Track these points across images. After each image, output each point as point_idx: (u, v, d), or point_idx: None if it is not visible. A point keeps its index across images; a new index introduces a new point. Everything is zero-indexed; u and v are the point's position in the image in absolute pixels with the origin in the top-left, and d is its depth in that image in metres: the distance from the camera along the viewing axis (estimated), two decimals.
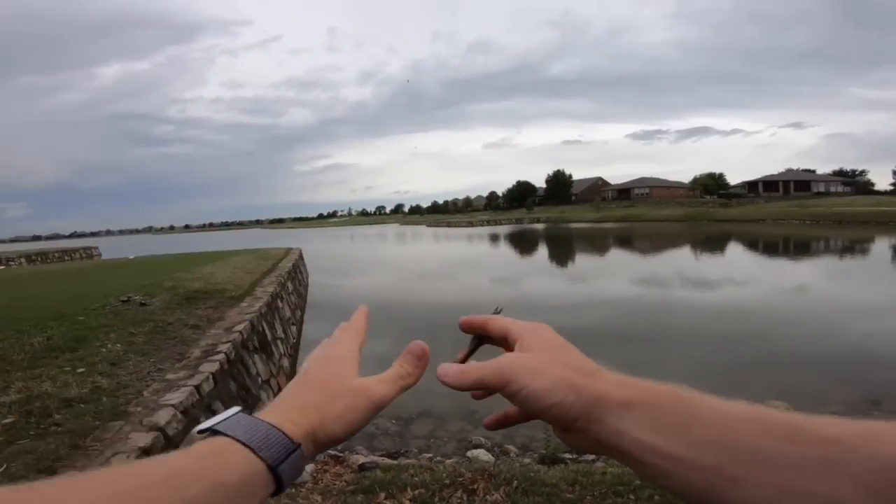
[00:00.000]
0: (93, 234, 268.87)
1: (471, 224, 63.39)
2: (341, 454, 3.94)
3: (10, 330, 4.89)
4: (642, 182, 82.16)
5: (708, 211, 51.74)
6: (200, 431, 0.35)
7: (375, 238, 50.27)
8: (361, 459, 3.72)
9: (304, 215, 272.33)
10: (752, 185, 69.86)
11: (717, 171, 79.50)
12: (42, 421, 2.74)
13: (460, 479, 2.96)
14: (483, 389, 0.42)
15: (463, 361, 0.46)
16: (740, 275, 14.88)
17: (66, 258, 31.21)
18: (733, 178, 79.01)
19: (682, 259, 21.01)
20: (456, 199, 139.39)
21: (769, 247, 24.77)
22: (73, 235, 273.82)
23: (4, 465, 2.20)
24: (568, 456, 3.81)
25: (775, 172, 70.62)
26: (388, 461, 3.76)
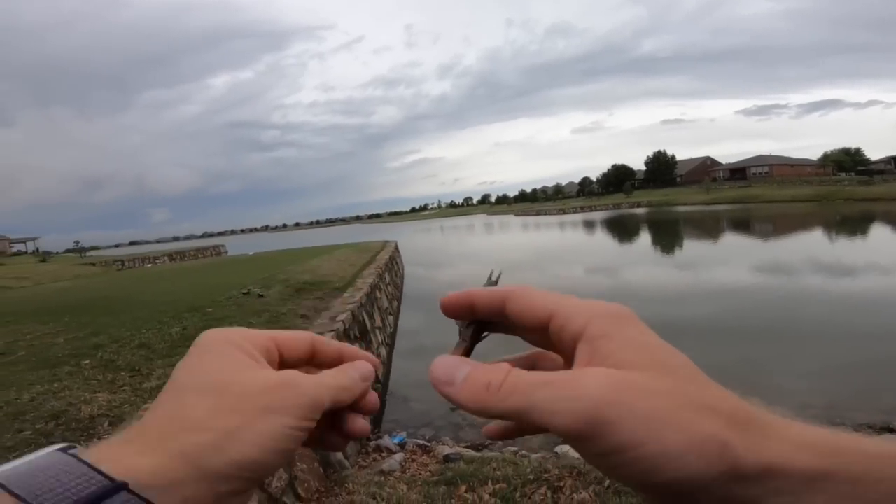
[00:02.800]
0: (220, 234, 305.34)
1: (562, 211, 61.43)
2: (429, 444, 3.99)
3: (154, 321, 5.62)
4: (760, 160, 73.82)
5: (843, 189, 44.72)
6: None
7: (464, 229, 50.82)
8: (447, 450, 3.74)
9: (398, 209, 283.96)
10: None
11: (851, 146, 69.03)
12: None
13: (545, 476, 2.85)
14: (530, 427, 0.27)
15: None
16: (888, 261, 12.63)
17: (200, 255, 35.76)
18: (874, 154, 68.33)
19: (812, 243, 18.36)
20: (545, 187, 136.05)
21: None
22: (204, 235, 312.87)
23: None
24: None
25: None
26: (472, 453, 3.75)
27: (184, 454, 0.25)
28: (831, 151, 69.72)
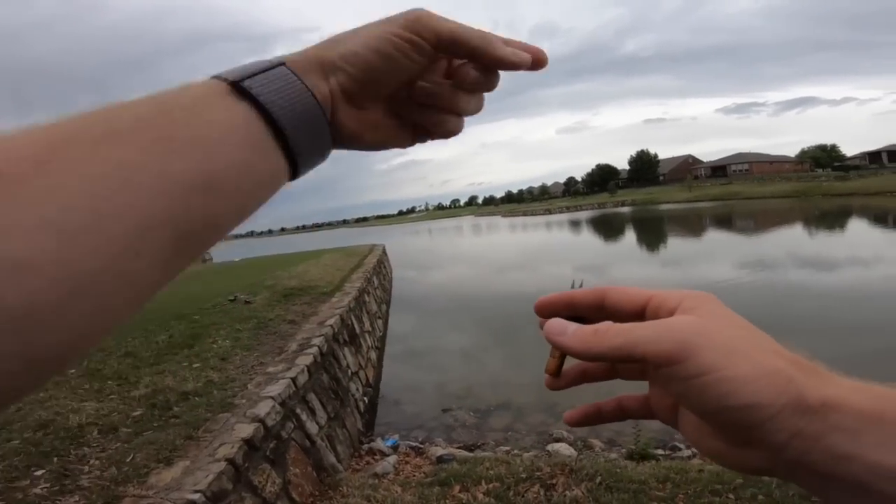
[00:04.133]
0: None
1: (549, 212, 61.85)
2: (422, 446, 3.99)
3: (140, 330, 5.53)
4: (740, 157, 75.26)
5: (821, 185, 45.67)
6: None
7: (452, 231, 50.89)
8: (440, 451, 3.75)
9: (385, 213, 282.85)
10: (873, 156, 61.43)
11: (828, 142, 70.71)
12: (164, 413, 3.04)
13: (538, 474, 2.88)
14: (623, 361, 0.32)
15: (556, 373, 0.35)
16: (868, 254, 12.96)
17: None
18: (849, 150, 70.22)
19: (793, 238, 18.75)
20: (531, 188, 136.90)
21: None
22: None
23: (132, 455, 2.46)
24: (660, 452, 3.56)
25: None
26: (464, 453, 3.77)
27: (316, 53, 0.34)
28: (808, 148, 71.32)
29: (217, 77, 0.30)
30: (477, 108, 0.41)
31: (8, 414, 3.02)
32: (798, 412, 0.26)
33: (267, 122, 0.30)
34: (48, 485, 2.24)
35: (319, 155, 0.35)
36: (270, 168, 0.31)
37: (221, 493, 2.26)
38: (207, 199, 0.26)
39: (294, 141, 0.31)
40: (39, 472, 2.35)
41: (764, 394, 0.26)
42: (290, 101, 0.30)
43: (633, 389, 0.36)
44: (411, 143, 0.42)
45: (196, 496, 2.10)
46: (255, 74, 0.30)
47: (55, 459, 2.47)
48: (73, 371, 3.98)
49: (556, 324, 0.33)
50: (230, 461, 2.44)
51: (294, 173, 0.33)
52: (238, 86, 0.29)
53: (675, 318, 0.30)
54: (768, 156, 76.12)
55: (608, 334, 0.30)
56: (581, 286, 0.38)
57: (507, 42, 0.36)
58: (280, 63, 0.32)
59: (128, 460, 2.42)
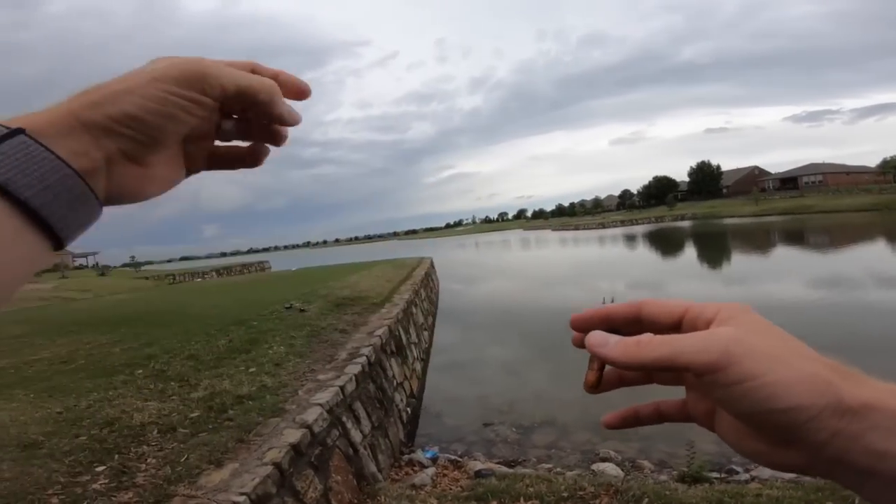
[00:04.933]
0: (264, 250, 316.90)
1: (602, 226, 60.07)
2: (461, 459, 3.96)
3: (202, 334, 5.89)
4: (813, 168, 69.95)
5: None
6: None
7: (499, 245, 50.48)
8: (478, 466, 3.71)
9: (433, 225, 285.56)
10: None
11: None
12: (219, 416, 3.21)
13: (580, 493, 2.79)
14: (666, 370, 0.32)
15: (596, 385, 0.36)
16: None
17: (245, 271, 37.24)
18: None
19: (876, 255, 17.15)
20: (583, 201, 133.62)
21: None
22: (249, 251, 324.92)
23: (186, 455, 2.61)
24: (715, 475, 3.34)
25: None
26: (504, 469, 3.70)
27: (71, 111, 0.30)
28: (891, 157, 65.07)
29: None
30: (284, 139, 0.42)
31: (79, 409, 3.30)
32: (838, 413, 0.27)
33: (12, 202, 0.26)
34: (107, 481, 2.40)
35: (87, 224, 0.32)
36: (24, 251, 0.28)
37: (265, 496, 2.35)
38: None
39: (52, 219, 0.28)
40: (101, 469, 2.53)
41: (805, 396, 0.27)
42: (37, 176, 0.27)
43: (669, 393, 0.37)
44: (206, 168, 0.41)
45: (241, 499, 2.20)
46: None
47: (116, 456, 2.65)
48: (140, 371, 4.30)
49: (598, 336, 0.34)
50: (276, 465, 2.54)
51: (58, 244, 0.30)
52: None
53: (715, 328, 0.31)
54: (845, 166, 70.28)
55: (652, 345, 0.31)
56: (613, 301, 0.39)
57: (277, 75, 0.39)
58: (18, 130, 0.28)
59: (182, 460, 2.57)
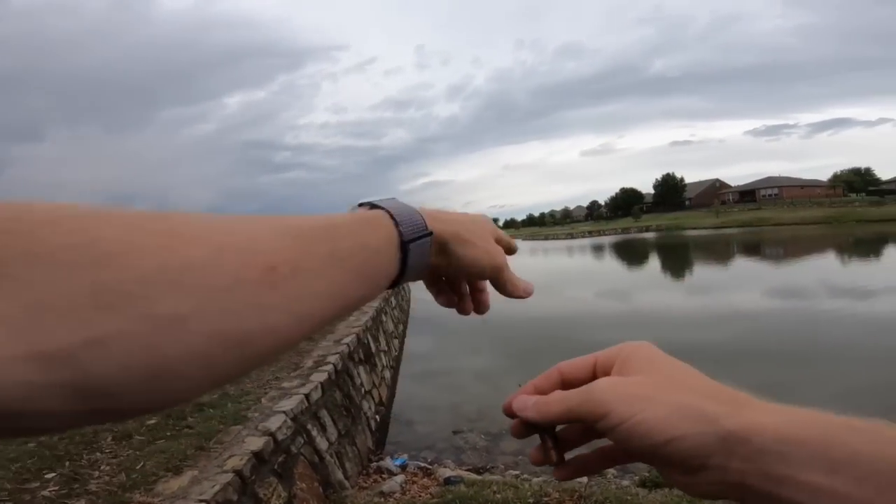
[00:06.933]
0: None
1: (571, 236, 61.26)
2: (430, 466, 3.95)
3: None
4: (770, 182, 73.64)
5: (855, 210, 44.32)
6: (361, 204, 0.41)
7: None
8: (448, 473, 3.70)
9: None
10: None
11: (862, 165, 68.35)
12: (178, 423, 3.10)
13: (545, 499, 2.85)
14: (571, 422, 0.36)
15: (558, 460, 0.38)
16: None
17: None
18: (885, 173, 67.46)
19: (827, 266, 18.10)
20: (553, 211, 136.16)
21: None
22: None
23: (142, 463, 2.51)
24: None
25: None
26: (473, 476, 3.71)
27: (442, 232, 0.43)
28: (841, 172, 69.03)
29: (388, 214, 0.39)
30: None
31: None
32: (721, 439, 0.29)
33: (401, 269, 0.39)
34: (57, 487, 2.29)
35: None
36: (384, 283, 0.39)
37: (226, 503, 2.28)
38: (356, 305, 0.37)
39: (401, 282, 0.41)
40: (50, 476, 2.41)
41: (678, 428, 0.29)
42: (420, 262, 0.40)
43: None
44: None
45: None
46: (417, 238, 0.39)
47: (67, 463, 2.54)
48: None
49: (521, 401, 0.38)
50: (238, 473, 2.47)
51: (391, 286, 0.42)
52: (405, 245, 0.38)
53: (595, 382, 0.34)
54: (799, 180, 74.29)
55: (553, 402, 0.35)
56: (520, 385, 0.42)
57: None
58: (430, 233, 0.40)
59: (138, 467, 2.47)
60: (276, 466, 2.84)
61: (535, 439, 0.39)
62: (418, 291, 17.88)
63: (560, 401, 0.35)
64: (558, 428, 0.39)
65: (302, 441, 3.32)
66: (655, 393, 0.31)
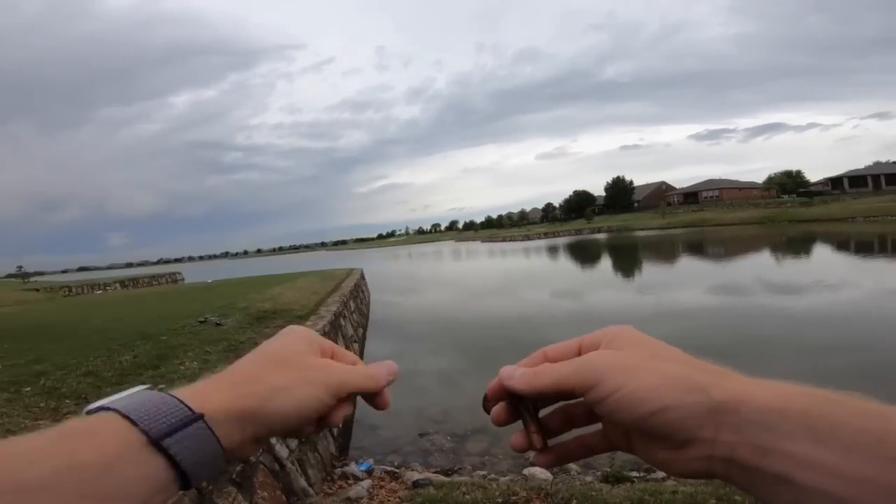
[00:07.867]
0: (177, 261, 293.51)
1: (527, 237, 62.51)
2: (397, 470, 3.90)
3: (103, 349, 5.31)
4: (710, 184, 78.17)
5: (787, 211, 47.76)
6: (89, 411, 0.31)
7: (431, 256, 50.82)
8: (416, 476, 3.66)
9: (364, 236, 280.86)
10: (835, 182, 64.32)
11: (793, 168, 73.65)
12: None
13: (514, 498, 2.89)
14: (559, 394, 0.36)
15: (542, 446, 0.37)
16: (833, 278, 13.48)
17: (154, 283, 34.13)
18: (813, 176, 72.95)
19: (762, 264, 19.40)
20: (510, 213, 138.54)
21: (863, 247, 22.27)
22: (159, 262, 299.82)
23: None
24: (635, 474, 3.56)
25: (861, 167, 64.00)
26: (441, 478, 3.69)
27: (240, 402, 0.34)
28: (775, 174, 73.94)
29: (128, 419, 0.29)
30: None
31: None
32: (711, 409, 0.29)
33: (175, 473, 0.30)
34: None
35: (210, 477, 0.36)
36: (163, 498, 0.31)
37: None
38: None
39: (193, 481, 0.31)
40: None
41: (669, 397, 0.30)
42: (202, 457, 0.31)
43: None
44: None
45: None
46: (174, 432, 0.30)
47: None
48: (27, 389, 3.78)
49: (507, 370, 0.38)
50: None
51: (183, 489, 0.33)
52: (158, 444, 0.29)
53: (591, 353, 0.35)
54: (738, 182, 79.05)
55: (541, 375, 0.36)
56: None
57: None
58: (198, 417, 0.31)
59: None
60: (234, 476, 2.70)
61: (506, 434, 0.39)
62: (378, 294, 17.73)
63: (550, 372, 0.35)
64: (541, 414, 0.39)
65: (260, 449, 3.19)
66: (646, 363, 0.32)
